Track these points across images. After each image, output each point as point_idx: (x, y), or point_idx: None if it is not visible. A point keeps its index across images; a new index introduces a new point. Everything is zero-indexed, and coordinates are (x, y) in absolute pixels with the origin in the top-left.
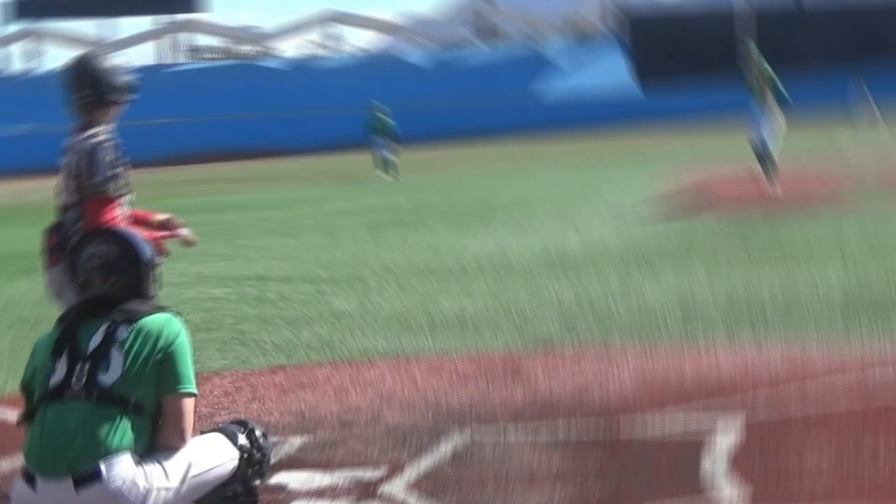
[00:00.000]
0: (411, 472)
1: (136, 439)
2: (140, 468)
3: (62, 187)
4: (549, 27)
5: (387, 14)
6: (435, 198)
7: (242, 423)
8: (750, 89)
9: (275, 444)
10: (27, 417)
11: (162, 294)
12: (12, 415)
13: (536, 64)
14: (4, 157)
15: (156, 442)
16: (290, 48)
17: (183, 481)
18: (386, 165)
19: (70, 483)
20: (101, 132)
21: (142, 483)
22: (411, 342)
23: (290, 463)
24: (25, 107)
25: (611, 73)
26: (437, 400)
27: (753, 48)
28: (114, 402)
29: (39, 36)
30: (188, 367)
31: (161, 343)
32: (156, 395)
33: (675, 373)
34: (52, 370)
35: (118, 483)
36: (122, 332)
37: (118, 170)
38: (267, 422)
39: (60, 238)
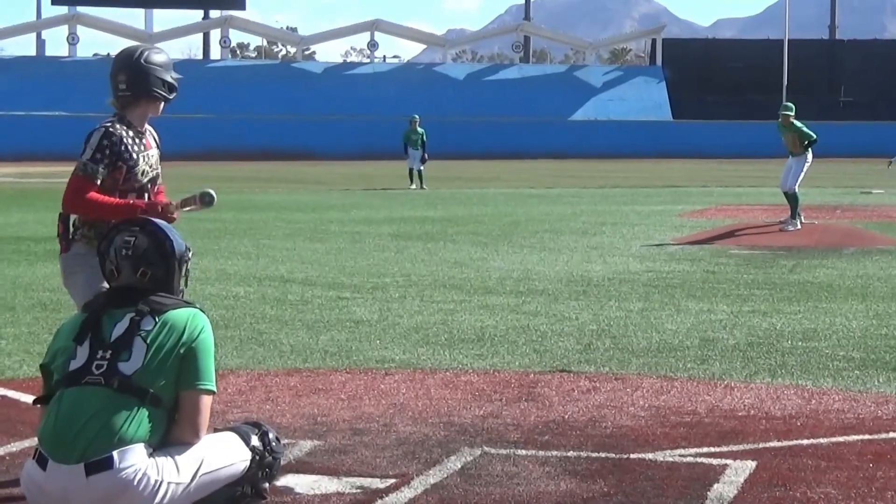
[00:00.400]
0: (419, 485)
1: (152, 431)
2: (152, 460)
3: None
4: (590, 50)
5: (428, 25)
6: (462, 212)
7: (256, 425)
8: (785, 143)
9: (286, 447)
10: (44, 399)
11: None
12: (27, 398)
13: (573, 85)
14: (40, 140)
15: (170, 436)
16: (330, 53)
17: (193, 478)
18: (415, 176)
19: (81, 468)
20: (115, 120)
21: (153, 475)
22: (428, 355)
23: (299, 466)
24: (62, 91)
25: (646, 99)
26: (450, 414)
27: (791, 111)
28: (132, 391)
29: (78, 21)
30: (209, 364)
31: (185, 337)
32: (175, 388)
33: (690, 410)
34: (73, 355)
35: (129, 472)
36: (147, 323)
37: (100, 157)
38: (279, 423)
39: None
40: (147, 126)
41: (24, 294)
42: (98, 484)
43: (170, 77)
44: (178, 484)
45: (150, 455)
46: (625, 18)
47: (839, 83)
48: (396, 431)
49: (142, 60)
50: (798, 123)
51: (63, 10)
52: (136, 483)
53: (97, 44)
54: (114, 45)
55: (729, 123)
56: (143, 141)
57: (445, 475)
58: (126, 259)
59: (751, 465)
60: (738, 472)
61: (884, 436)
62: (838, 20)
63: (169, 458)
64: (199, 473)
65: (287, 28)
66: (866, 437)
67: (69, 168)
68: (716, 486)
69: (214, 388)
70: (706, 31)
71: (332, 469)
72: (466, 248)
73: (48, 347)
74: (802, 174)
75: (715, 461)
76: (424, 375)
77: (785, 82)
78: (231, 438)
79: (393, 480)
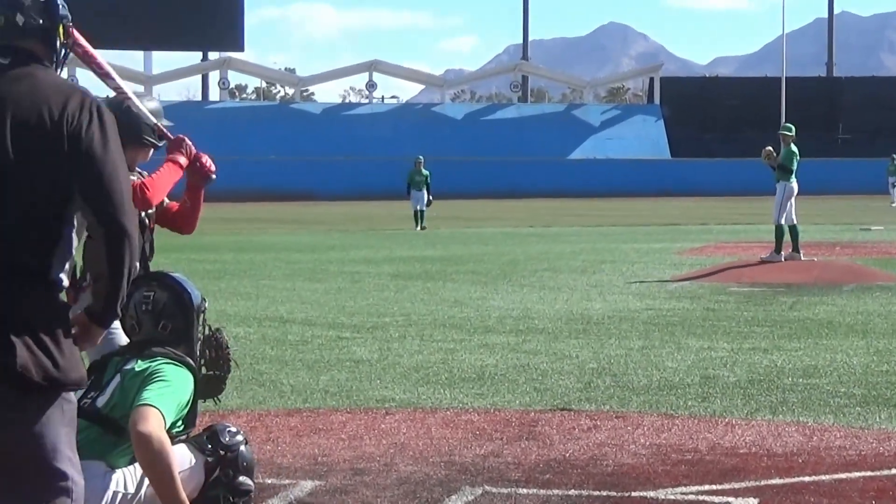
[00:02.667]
0: None
1: (113, 454)
2: (106, 474)
3: None
4: (588, 89)
5: (426, 66)
6: (461, 251)
7: (208, 430)
8: (778, 167)
9: (247, 441)
10: None
11: None
12: None
13: (572, 124)
14: None
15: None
16: (328, 93)
17: (139, 486)
18: (417, 216)
19: None
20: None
21: (100, 484)
22: (429, 394)
23: None
24: None
25: (644, 137)
26: (451, 453)
27: (790, 132)
28: (101, 421)
29: (77, 64)
30: (157, 391)
31: (148, 373)
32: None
33: (691, 448)
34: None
35: (77, 480)
36: (131, 363)
37: None
38: (279, 464)
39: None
40: (138, 170)
41: None
42: None
43: (152, 122)
44: (125, 494)
45: (107, 471)
46: (622, 57)
47: (837, 120)
48: (397, 471)
49: (125, 106)
50: (793, 148)
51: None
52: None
53: (97, 87)
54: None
55: (727, 161)
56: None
57: None
58: (146, 314)
59: (753, 502)
60: None
61: (886, 472)
62: (836, 57)
63: (121, 471)
64: (147, 483)
65: (285, 69)
66: (868, 473)
67: None
68: None
69: (155, 405)
70: (704, 69)
71: None
72: (466, 287)
73: None
74: (782, 204)
75: (717, 499)
76: (425, 415)
77: (783, 120)
78: (180, 448)
79: None
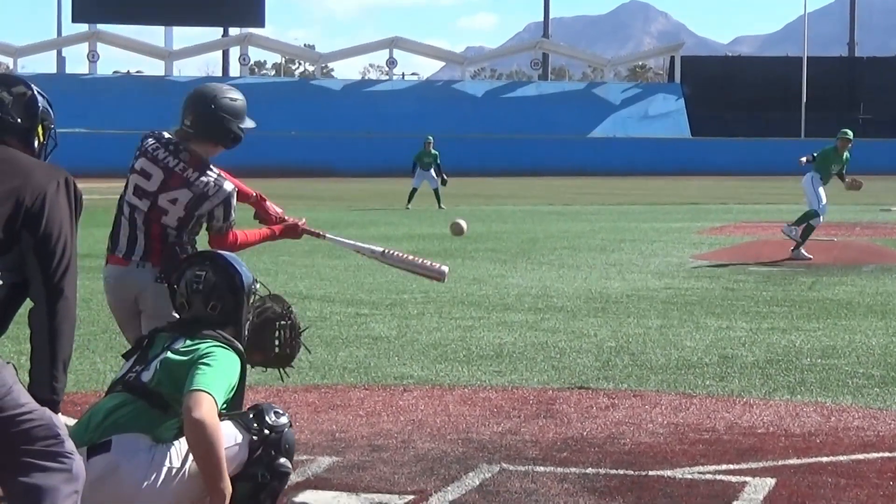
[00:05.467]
0: (437, 502)
1: (159, 428)
2: (151, 448)
3: (164, 207)
4: (609, 67)
5: (446, 43)
6: (480, 229)
7: (254, 408)
8: (823, 169)
9: (291, 424)
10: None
11: None
12: None
13: (592, 102)
14: (60, 157)
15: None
16: (348, 70)
17: (184, 461)
18: (412, 196)
19: (84, 451)
20: (218, 174)
21: (145, 458)
22: (447, 371)
23: (317, 483)
24: (82, 108)
25: (664, 116)
26: (469, 431)
27: (849, 136)
28: (146, 395)
29: (98, 39)
30: (209, 375)
31: (197, 354)
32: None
33: (709, 427)
34: (121, 369)
35: (122, 454)
36: (179, 342)
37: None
38: (297, 440)
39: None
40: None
41: None
42: (96, 465)
43: (236, 127)
44: (170, 468)
45: (152, 445)
46: (643, 36)
47: (858, 101)
48: (415, 448)
49: (213, 106)
50: (846, 156)
51: (83, 27)
52: (128, 461)
53: (117, 61)
54: (133, 63)
55: (747, 141)
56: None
57: (464, 492)
58: (196, 293)
59: (770, 482)
60: (758, 489)
61: None
62: (857, 37)
63: (167, 445)
64: (192, 458)
65: (305, 45)
66: (886, 454)
67: (90, 185)
68: (735, 503)
69: (208, 391)
70: (725, 48)
71: (351, 485)
72: (485, 264)
73: None
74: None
75: (734, 478)
76: (443, 392)
77: (804, 99)
78: (228, 426)
79: (411, 497)
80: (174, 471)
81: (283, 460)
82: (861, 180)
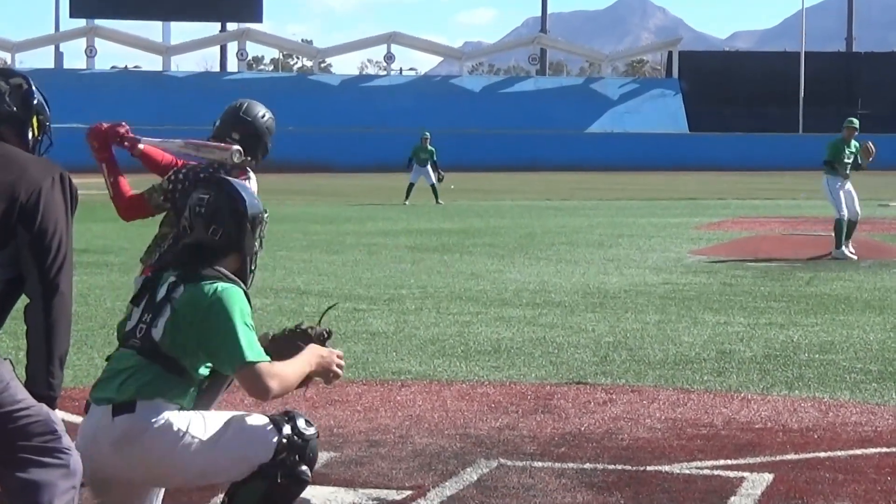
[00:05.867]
0: (435, 497)
1: (179, 396)
2: (180, 411)
3: None
4: (607, 62)
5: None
6: (478, 224)
7: (286, 413)
8: (842, 167)
9: (317, 435)
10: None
11: None
12: None
13: (590, 98)
14: (58, 152)
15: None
16: (346, 65)
17: (216, 440)
18: (410, 191)
19: (109, 409)
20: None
21: (176, 423)
22: (445, 366)
23: (315, 478)
24: (80, 103)
25: (662, 111)
26: (467, 426)
27: (855, 125)
28: (160, 358)
29: (96, 34)
30: (237, 338)
31: (201, 316)
32: (199, 362)
33: (707, 422)
34: (129, 316)
35: (150, 416)
36: (179, 291)
37: None
38: None
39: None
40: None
41: None
42: (121, 424)
43: (269, 144)
44: (200, 440)
45: (180, 409)
46: (641, 31)
47: (856, 96)
48: (412, 443)
49: (264, 123)
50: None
51: (81, 22)
52: (156, 426)
53: (115, 56)
54: (131, 58)
55: (745, 136)
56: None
57: (461, 487)
58: (199, 217)
59: (768, 477)
60: (755, 484)
61: None
62: (855, 33)
63: (200, 414)
64: (224, 436)
65: (303, 41)
66: (884, 449)
67: (87, 180)
68: (732, 498)
69: (249, 359)
70: (723, 44)
71: (349, 481)
72: (483, 260)
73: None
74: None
75: (732, 474)
76: (441, 387)
77: (802, 95)
78: (262, 419)
79: (409, 492)
80: (199, 443)
81: (304, 468)
82: (868, 144)
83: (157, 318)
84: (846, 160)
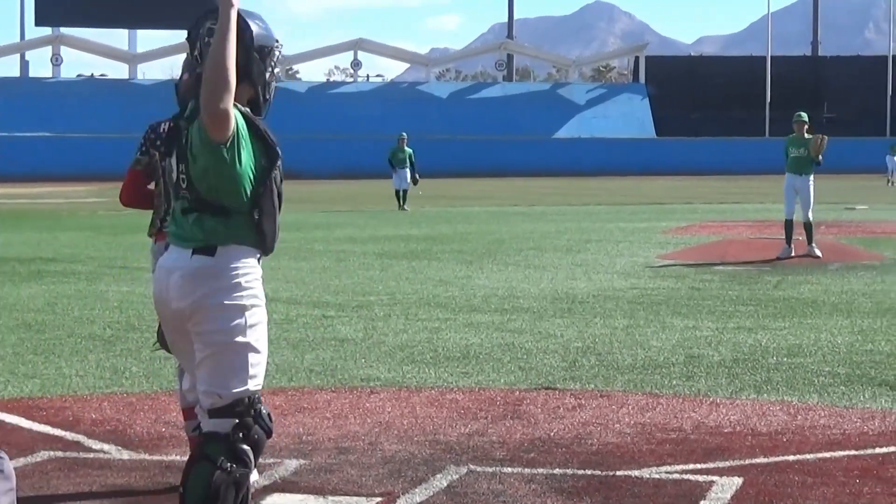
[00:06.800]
0: None
1: (241, 234)
2: (252, 276)
3: None
4: (573, 68)
5: (411, 44)
6: (446, 230)
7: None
8: (790, 163)
9: (269, 431)
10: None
11: None
12: (12, 419)
13: (557, 103)
14: (24, 161)
15: None
16: (313, 72)
17: (254, 331)
18: (400, 196)
19: (189, 251)
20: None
21: (243, 283)
22: (414, 373)
23: (285, 486)
24: (46, 112)
25: (629, 116)
26: (436, 432)
27: (807, 121)
28: (207, 206)
29: (61, 42)
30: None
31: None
32: (241, 193)
33: (676, 427)
34: (170, 168)
35: (225, 263)
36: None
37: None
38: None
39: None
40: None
41: (9, 315)
42: (199, 259)
43: None
44: (248, 317)
45: (257, 258)
46: (608, 36)
47: (822, 99)
48: (382, 450)
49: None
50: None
51: (47, 31)
52: (229, 270)
53: (81, 64)
54: (97, 66)
55: (712, 140)
56: None
57: (431, 493)
58: (208, 46)
59: (737, 481)
60: (725, 488)
61: (870, 451)
62: (821, 36)
63: (263, 308)
64: (259, 339)
65: None
66: (852, 452)
67: (54, 189)
68: (702, 502)
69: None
70: (689, 48)
71: (318, 488)
72: (451, 266)
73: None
74: (813, 199)
75: (701, 478)
76: (410, 394)
77: (768, 99)
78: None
79: (379, 499)
80: (245, 316)
81: (246, 447)
82: (820, 136)
83: (190, 167)
84: (791, 155)
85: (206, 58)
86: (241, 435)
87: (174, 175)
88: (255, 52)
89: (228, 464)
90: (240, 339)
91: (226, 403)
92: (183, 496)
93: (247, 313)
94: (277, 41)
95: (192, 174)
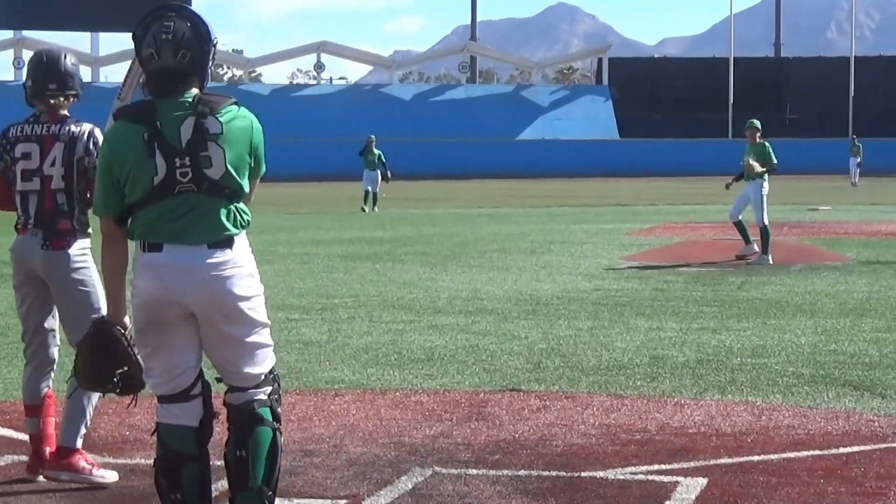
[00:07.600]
0: None
1: (242, 222)
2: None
3: (47, 172)
4: (537, 70)
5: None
6: (410, 232)
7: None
8: (744, 166)
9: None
10: (129, 211)
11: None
12: None
13: (520, 105)
14: None
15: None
16: (276, 75)
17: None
18: (370, 198)
19: (204, 246)
20: (76, 122)
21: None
22: (378, 375)
23: None
24: (7, 115)
25: (593, 118)
26: (401, 435)
27: (759, 128)
28: (221, 193)
29: (23, 45)
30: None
31: (254, 138)
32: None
33: (640, 428)
34: (153, 168)
35: (244, 253)
36: (213, 126)
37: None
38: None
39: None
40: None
41: None
42: (218, 255)
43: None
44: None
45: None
46: (571, 38)
47: (785, 101)
48: (347, 452)
49: (67, 61)
50: (766, 144)
51: (8, 34)
52: (247, 263)
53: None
54: None
55: (676, 141)
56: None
57: (396, 496)
58: (166, 42)
59: (702, 482)
60: (689, 489)
61: (834, 451)
62: (783, 38)
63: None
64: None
65: (233, 51)
66: (816, 452)
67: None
68: (667, 503)
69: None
70: (652, 50)
71: (283, 491)
72: (415, 268)
73: (107, 163)
74: (766, 204)
75: (666, 479)
76: (374, 396)
77: (731, 100)
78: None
79: (344, 501)
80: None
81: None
82: (752, 165)
83: (202, 159)
84: (751, 161)
85: (163, 55)
86: (276, 398)
87: (162, 173)
88: (210, 47)
89: (275, 423)
90: (266, 319)
91: (265, 373)
92: (244, 457)
93: (262, 296)
94: (216, 38)
95: (228, 170)
